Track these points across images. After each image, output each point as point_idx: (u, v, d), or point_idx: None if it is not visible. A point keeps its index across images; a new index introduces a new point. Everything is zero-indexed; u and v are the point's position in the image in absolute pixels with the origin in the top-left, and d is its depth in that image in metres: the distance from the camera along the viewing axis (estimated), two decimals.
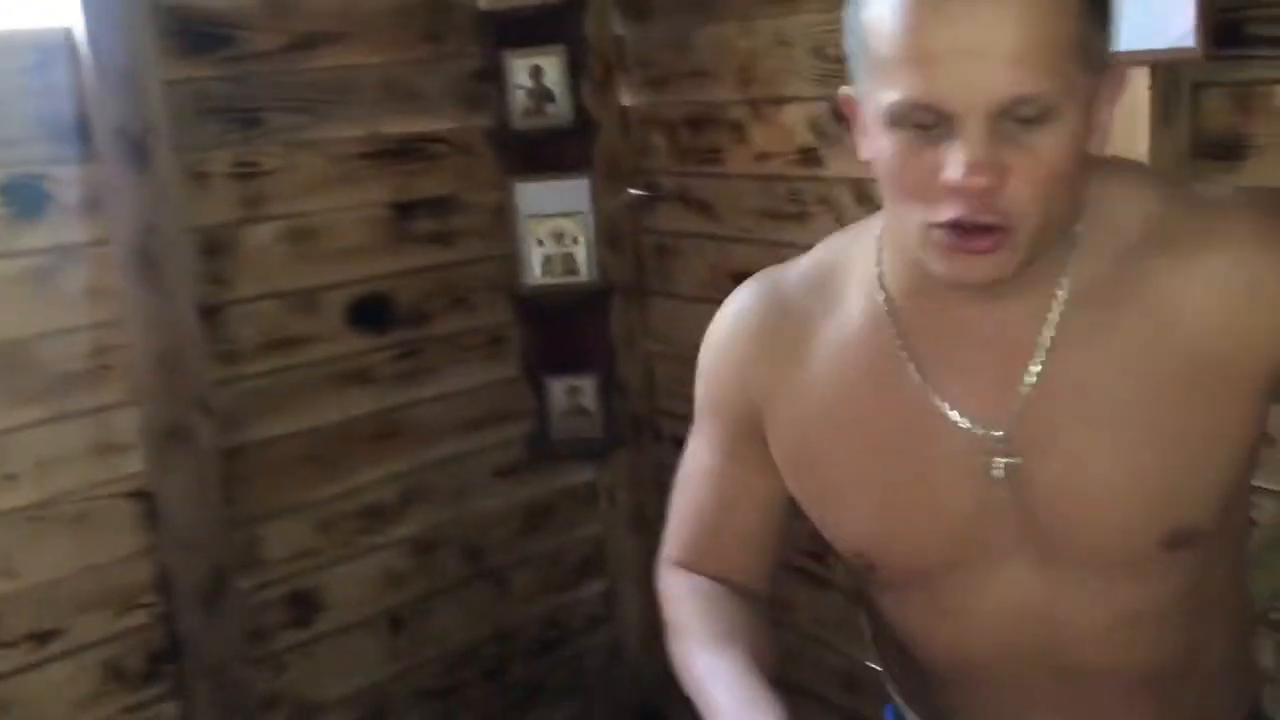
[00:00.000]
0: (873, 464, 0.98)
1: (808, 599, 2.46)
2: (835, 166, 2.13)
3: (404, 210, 2.41)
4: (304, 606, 2.40)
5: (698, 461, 1.14)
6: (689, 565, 1.15)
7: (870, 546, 1.01)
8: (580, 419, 2.64)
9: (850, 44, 0.90)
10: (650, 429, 2.74)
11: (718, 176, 2.40)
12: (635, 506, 2.76)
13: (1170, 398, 0.90)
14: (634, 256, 2.63)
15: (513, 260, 2.53)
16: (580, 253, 2.52)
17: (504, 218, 2.51)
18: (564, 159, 2.51)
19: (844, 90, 0.93)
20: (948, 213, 0.84)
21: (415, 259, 2.44)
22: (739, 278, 2.37)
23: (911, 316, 0.97)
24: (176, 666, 2.22)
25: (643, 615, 2.82)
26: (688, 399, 2.61)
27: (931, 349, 0.96)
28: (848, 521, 1.03)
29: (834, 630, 2.43)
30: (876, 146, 0.88)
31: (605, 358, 2.64)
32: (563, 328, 2.61)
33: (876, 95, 0.86)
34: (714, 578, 1.12)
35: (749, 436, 1.07)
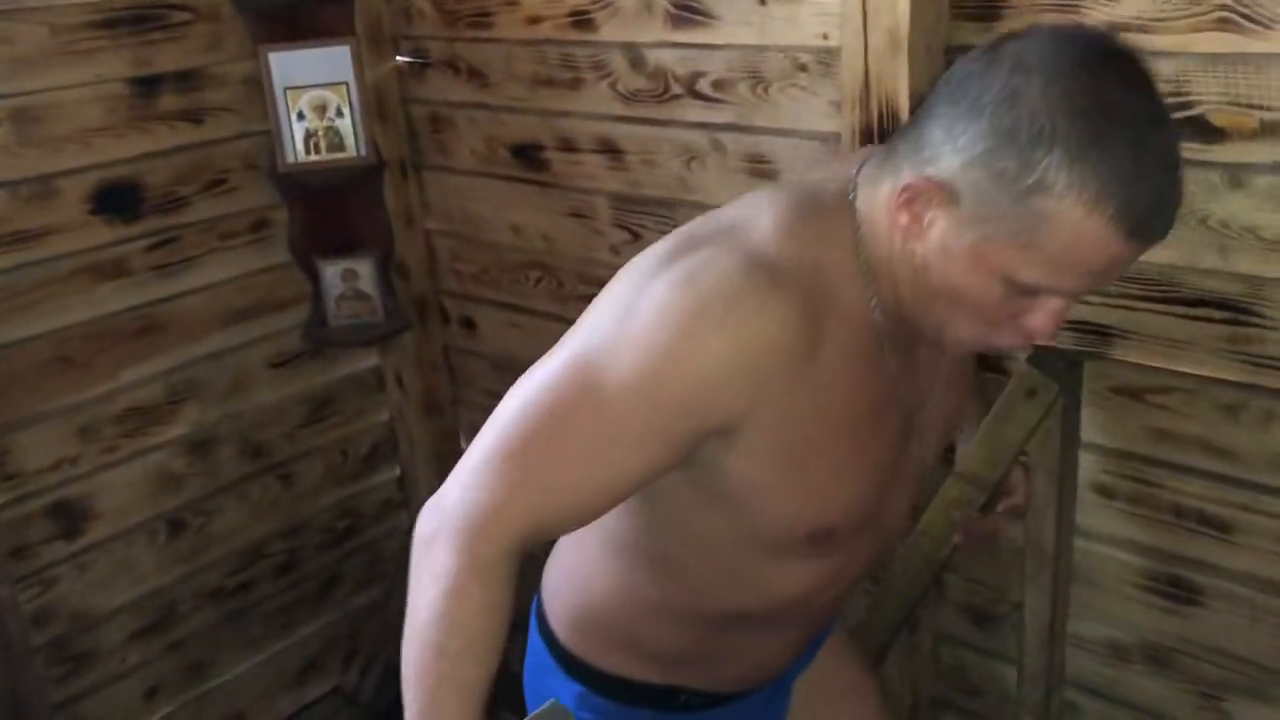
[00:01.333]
0: (860, 450, 1.06)
1: None
2: (608, 30, 2.07)
3: (144, 85, 2.20)
4: (70, 517, 2.26)
5: (600, 461, 0.97)
6: (494, 538, 0.97)
7: (844, 519, 1.07)
8: (359, 303, 2.54)
9: (1009, 189, 0.90)
10: (436, 310, 2.66)
11: (488, 41, 2.29)
12: (425, 390, 2.70)
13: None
14: (405, 129, 2.50)
15: (271, 137, 2.36)
16: (346, 126, 2.38)
17: (258, 90, 2.33)
18: (322, 24, 2.34)
19: (934, 180, 0.94)
20: (1008, 341, 1.00)
21: (161, 139, 2.24)
22: (517, 150, 2.30)
23: (892, 335, 1.06)
24: None
25: None
26: (473, 278, 2.57)
27: (901, 359, 1.08)
28: (831, 500, 1.06)
29: None
30: (974, 276, 0.94)
31: (381, 238, 2.53)
32: (333, 208, 2.47)
33: (1015, 262, 0.92)
34: (508, 555, 0.99)
35: (694, 440, 1.00)
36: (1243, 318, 1.53)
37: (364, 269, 2.52)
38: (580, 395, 0.97)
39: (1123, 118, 0.89)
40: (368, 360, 2.72)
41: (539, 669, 1.33)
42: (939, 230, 0.95)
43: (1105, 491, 1.75)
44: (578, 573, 1.26)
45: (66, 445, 2.22)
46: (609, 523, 1.13)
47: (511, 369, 2.54)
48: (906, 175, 0.96)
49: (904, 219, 0.96)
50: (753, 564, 1.12)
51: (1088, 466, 1.69)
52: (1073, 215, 0.89)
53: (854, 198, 1.03)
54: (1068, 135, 0.87)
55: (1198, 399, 1.61)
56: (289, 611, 2.69)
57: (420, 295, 2.63)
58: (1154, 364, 1.63)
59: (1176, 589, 1.72)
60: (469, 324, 2.64)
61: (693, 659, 1.22)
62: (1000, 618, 1.96)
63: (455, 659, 0.94)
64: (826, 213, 1.03)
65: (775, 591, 1.14)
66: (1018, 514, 1.65)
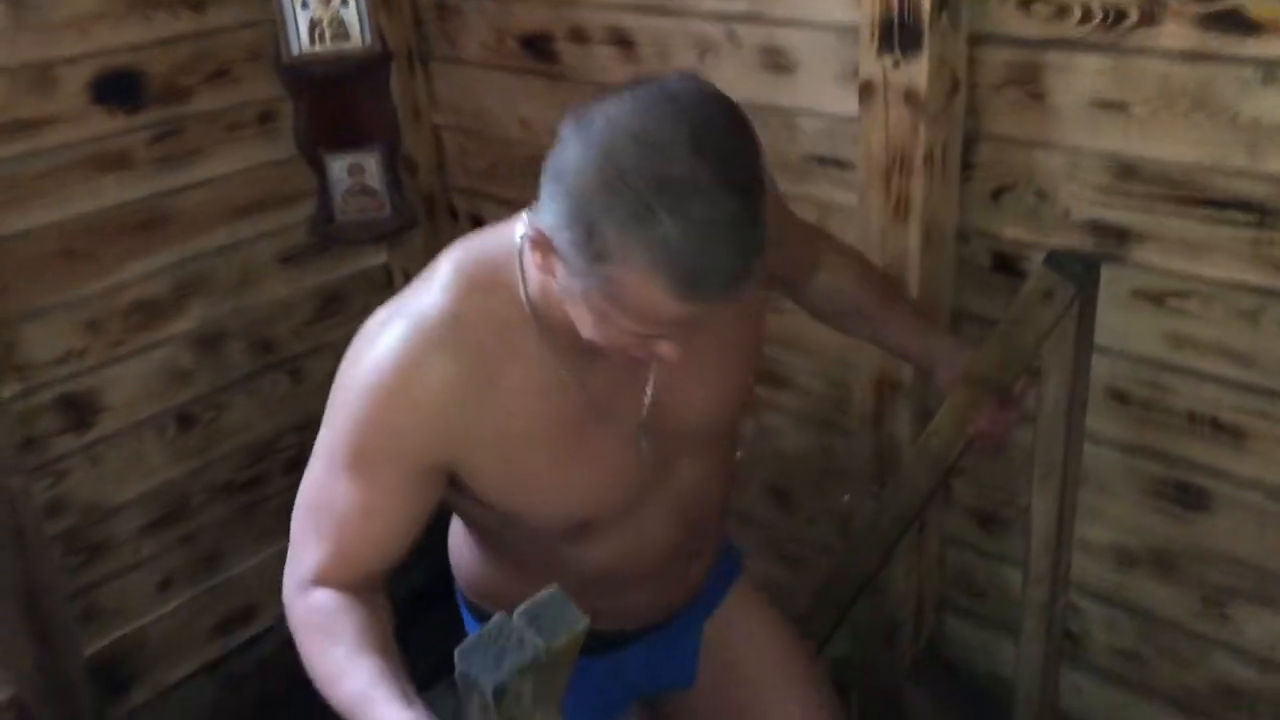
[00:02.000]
0: (575, 458, 1.21)
1: None
2: None
3: None
4: (79, 410, 2.26)
5: (345, 496, 1.14)
6: (329, 581, 1.15)
7: (588, 514, 1.25)
8: (365, 199, 2.50)
9: (581, 256, 1.00)
10: (445, 207, 2.62)
11: None
12: None
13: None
14: (411, 18, 2.43)
15: (275, 26, 2.30)
16: (351, 15, 2.31)
17: None
18: None
19: (540, 232, 1.03)
20: (649, 357, 1.11)
21: (163, 28, 2.18)
22: (526, 41, 2.24)
23: (568, 352, 1.17)
24: None
25: None
26: (482, 174, 2.52)
27: (587, 374, 1.19)
28: (572, 503, 1.24)
29: None
30: (591, 316, 1.06)
31: (388, 131, 2.48)
32: (339, 100, 2.42)
33: (611, 312, 1.03)
34: (349, 584, 1.14)
35: (430, 469, 1.15)
36: (1270, 220, 1.49)
37: (370, 164, 2.48)
38: (325, 479, 1.17)
39: (672, 191, 0.95)
40: (376, 257, 2.69)
41: (466, 622, 1.57)
42: (560, 273, 1.06)
43: (1118, 396, 1.72)
44: (455, 552, 1.52)
45: (73, 338, 2.21)
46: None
47: None
48: (532, 224, 1.06)
49: (537, 258, 1.07)
50: (548, 549, 1.29)
51: (1101, 371, 1.67)
52: (634, 282, 0.99)
53: (522, 241, 1.14)
54: (618, 210, 0.96)
55: (1216, 303, 1.58)
56: None
57: (428, 191, 2.59)
58: (1173, 267, 1.60)
59: (1185, 495, 1.71)
60: (478, 221, 2.60)
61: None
62: (1008, 521, 1.95)
63: (338, 671, 1.08)
64: (495, 263, 1.17)
65: (583, 567, 1.30)
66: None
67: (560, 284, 1.08)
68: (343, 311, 2.66)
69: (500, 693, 0.88)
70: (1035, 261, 1.73)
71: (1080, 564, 1.82)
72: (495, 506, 1.23)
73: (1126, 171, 1.59)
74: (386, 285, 2.72)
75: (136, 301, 2.29)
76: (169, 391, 2.39)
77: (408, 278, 2.62)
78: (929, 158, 1.67)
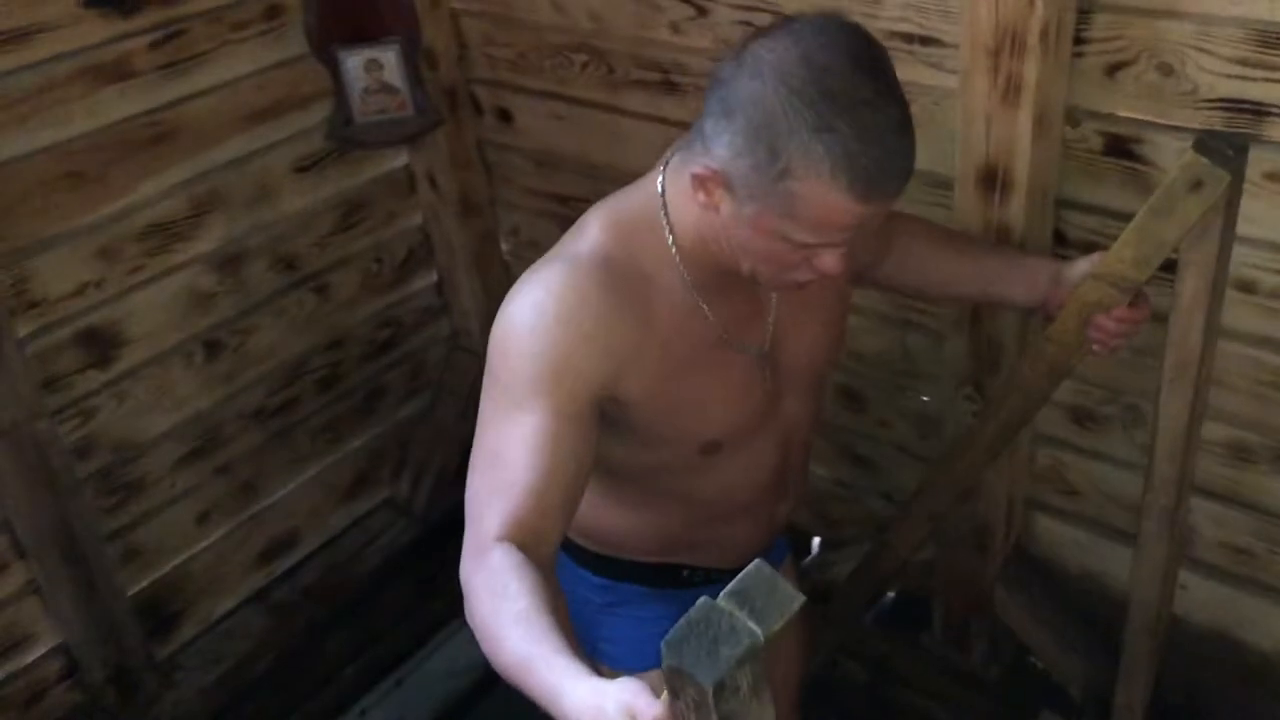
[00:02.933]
0: (712, 381, 1.33)
1: None
2: None
3: None
4: (101, 344, 2.11)
5: (522, 435, 1.16)
6: (511, 537, 1.11)
7: (721, 433, 1.37)
8: (386, 97, 2.31)
9: (763, 176, 1.10)
10: (468, 101, 2.43)
11: None
12: (460, 188, 2.50)
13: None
14: None
15: None
16: None
17: None
18: None
19: (710, 168, 1.15)
20: (805, 277, 1.23)
21: None
22: None
23: (707, 286, 1.29)
24: None
25: (480, 299, 2.65)
26: (509, 64, 2.33)
27: (721, 306, 1.30)
28: (709, 422, 1.35)
29: None
30: (760, 239, 1.17)
31: (405, 21, 2.27)
32: None
33: (785, 228, 1.14)
34: (528, 546, 1.12)
35: (595, 398, 1.21)
36: None
37: (389, 58, 2.27)
38: (503, 414, 1.18)
39: (844, 103, 1.06)
40: (397, 159, 2.51)
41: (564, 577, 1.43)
42: (727, 207, 1.17)
43: (1245, 287, 1.61)
44: None
45: (88, 268, 2.04)
46: None
47: (555, 165, 2.38)
48: (694, 166, 1.17)
49: (701, 197, 1.18)
50: (670, 480, 1.42)
51: (1234, 260, 1.54)
52: (817, 191, 1.09)
53: (663, 191, 1.26)
54: (800, 127, 1.07)
55: None
56: (335, 427, 2.58)
57: (450, 85, 2.39)
58: None
59: None
60: (505, 115, 2.42)
61: (678, 543, 1.51)
62: (1108, 419, 1.86)
63: (509, 622, 1.03)
64: (638, 211, 1.28)
65: (700, 496, 1.44)
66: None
67: (725, 217, 1.18)
68: (365, 220, 2.49)
69: (720, 688, 0.78)
70: (1154, 144, 1.60)
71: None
72: (646, 429, 1.31)
73: (1272, 39, 1.43)
74: (410, 189, 2.55)
75: (151, 224, 2.11)
76: (192, 318, 2.23)
77: (432, 181, 2.49)
78: (1045, 34, 1.51)
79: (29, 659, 2.15)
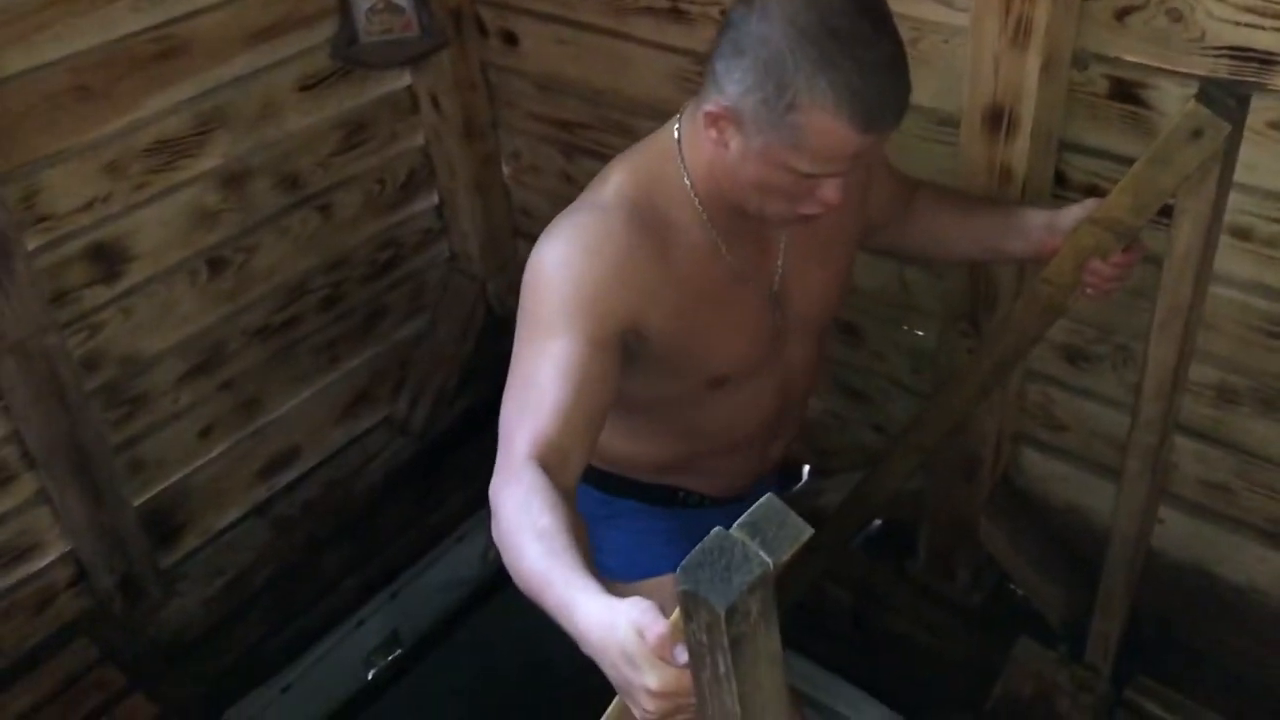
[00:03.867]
0: (725, 316, 1.42)
1: None
2: None
3: None
4: (107, 259, 2.12)
5: (553, 359, 1.23)
6: (539, 456, 1.17)
7: (729, 368, 1.46)
8: (391, 16, 2.30)
9: (770, 111, 1.20)
10: (473, 23, 2.42)
11: None
12: (463, 110, 2.50)
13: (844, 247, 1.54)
14: None
15: None
16: None
17: None
18: None
19: (722, 106, 1.24)
20: (810, 209, 1.31)
21: None
22: None
23: (722, 225, 1.38)
24: None
25: (480, 223, 2.66)
26: None
27: (735, 244, 1.40)
28: (719, 355, 1.43)
29: None
30: (768, 171, 1.26)
31: None
32: None
33: (792, 159, 1.23)
34: (554, 465, 1.17)
35: (620, 329, 1.30)
36: None
37: None
38: (534, 344, 1.26)
39: (846, 41, 1.16)
40: (400, 80, 2.50)
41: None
42: (736, 142, 1.26)
43: (1240, 233, 1.64)
44: None
45: (95, 184, 2.05)
46: None
47: (558, 90, 2.38)
48: (706, 105, 1.26)
49: (712, 134, 1.27)
50: (682, 409, 1.50)
51: (1227, 207, 1.57)
52: (821, 122, 1.18)
53: (679, 136, 1.36)
54: (805, 64, 1.16)
55: None
56: (336, 345, 2.61)
57: (455, 6, 2.38)
58: None
59: None
60: (509, 38, 2.41)
61: (676, 469, 1.62)
62: (1098, 358, 1.90)
63: (531, 539, 1.08)
64: (656, 159, 1.37)
65: (705, 425, 1.53)
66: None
67: (735, 152, 1.27)
68: (369, 141, 2.49)
69: (732, 612, 0.83)
70: (1159, 89, 1.62)
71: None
72: (661, 361, 1.39)
73: None
74: (413, 110, 2.54)
75: (157, 140, 2.11)
76: (197, 235, 2.25)
77: (435, 102, 2.49)
78: None
79: (39, 565, 2.21)
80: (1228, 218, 1.60)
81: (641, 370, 1.38)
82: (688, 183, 1.36)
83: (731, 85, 1.22)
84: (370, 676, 2.82)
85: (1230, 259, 1.65)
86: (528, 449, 1.17)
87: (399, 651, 2.84)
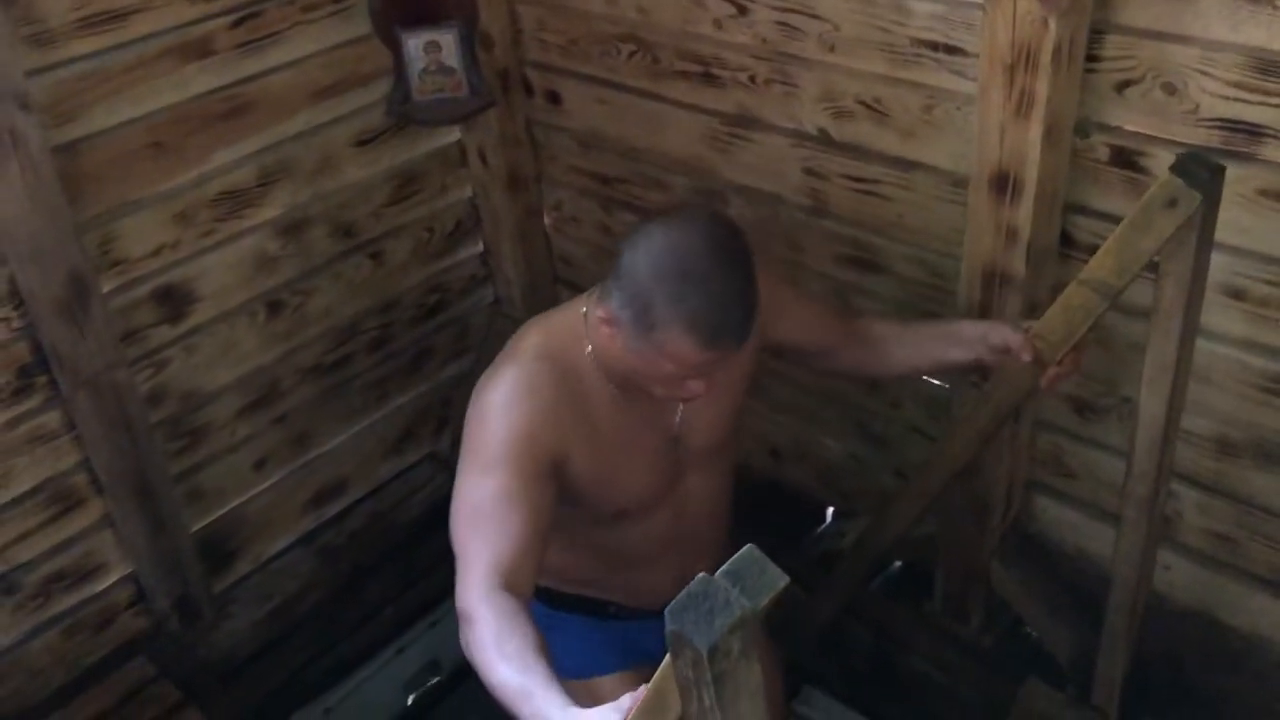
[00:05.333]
0: (631, 458, 1.66)
1: None
2: None
3: None
4: (174, 301, 2.28)
5: (499, 490, 1.45)
6: (499, 578, 1.38)
7: (632, 502, 1.70)
8: (443, 77, 2.45)
9: (638, 327, 1.45)
10: (519, 82, 2.57)
11: None
12: (508, 165, 2.64)
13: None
14: None
15: None
16: None
17: None
18: None
19: (609, 312, 1.49)
20: (683, 396, 1.56)
21: None
22: None
23: (624, 392, 1.61)
24: (49, 378, 2.11)
25: (522, 269, 2.80)
26: (560, 49, 2.47)
27: (635, 400, 1.62)
28: (625, 492, 1.68)
29: None
30: (644, 367, 1.50)
31: (465, 6, 2.41)
32: None
33: (659, 362, 1.48)
34: (512, 584, 1.38)
35: (551, 462, 1.52)
36: None
37: (447, 40, 2.41)
38: (480, 476, 1.48)
39: (697, 280, 1.41)
40: (450, 135, 2.65)
41: None
42: (619, 341, 1.50)
43: (1235, 294, 1.73)
44: None
45: (165, 231, 2.21)
46: None
47: (598, 146, 2.52)
48: (598, 309, 1.52)
49: (605, 330, 1.52)
50: (596, 531, 1.74)
51: (1220, 268, 1.66)
52: (675, 341, 1.43)
53: (586, 313, 1.59)
54: (662, 296, 1.41)
55: None
56: (384, 384, 2.76)
57: (503, 67, 2.53)
58: None
59: None
60: (554, 98, 2.55)
61: (598, 583, 1.83)
62: (1106, 410, 1.98)
63: (506, 657, 1.29)
64: (567, 329, 1.61)
65: (620, 546, 1.76)
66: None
67: (620, 347, 1.51)
68: (420, 192, 2.64)
69: (713, 651, 0.92)
70: (1156, 157, 1.72)
71: (1180, 453, 1.85)
72: (578, 493, 1.61)
73: (1268, 67, 1.54)
74: (461, 163, 2.70)
75: (223, 191, 2.28)
76: (257, 279, 2.40)
77: (483, 157, 2.65)
78: (1058, 53, 1.63)
79: (102, 586, 2.35)
80: (1223, 279, 1.70)
81: (561, 499, 1.56)
82: (590, 352, 1.59)
83: (614, 300, 1.47)
84: (410, 702, 2.93)
85: (1225, 318, 1.74)
86: (489, 573, 1.38)
87: (438, 679, 2.95)
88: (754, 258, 1.48)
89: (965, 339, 1.74)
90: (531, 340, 1.60)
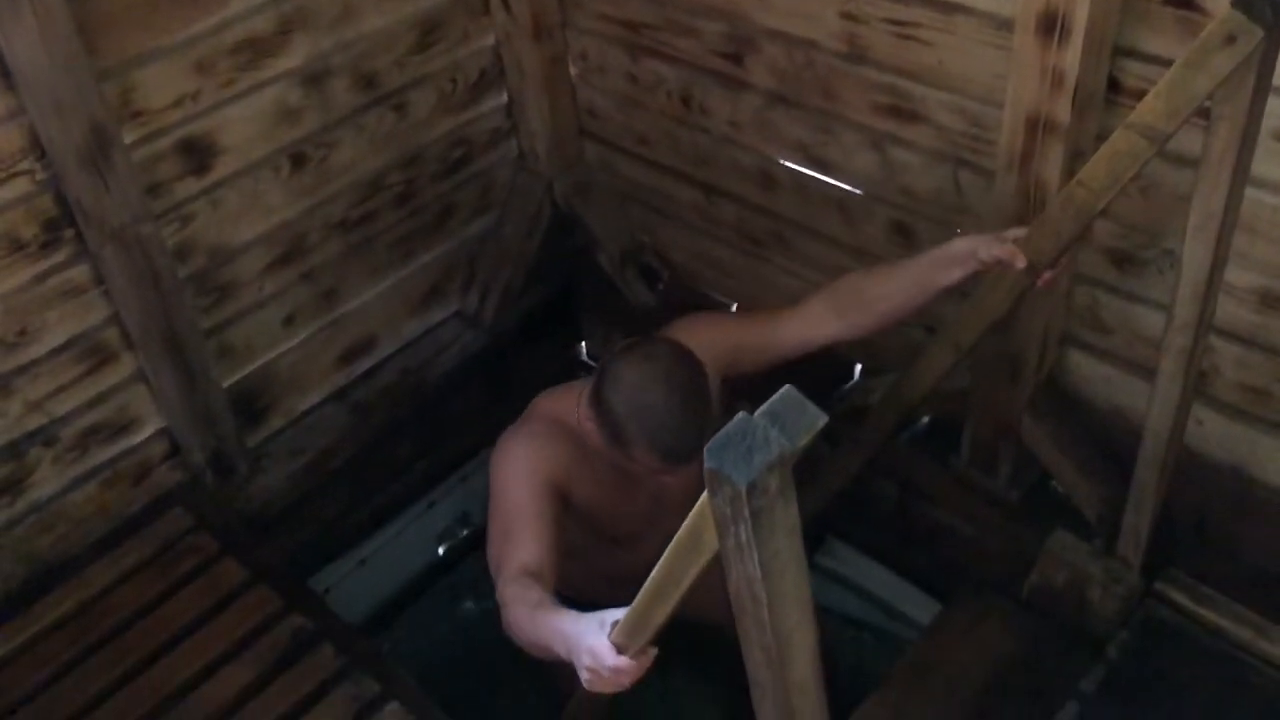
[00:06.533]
0: (617, 502, 2.02)
1: (721, 100, 2.41)
2: None
3: None
4: (198, 154, 2.25)
5: (522, 513, 1.83)
6: (529, 573, 1.72)
7: (623, 534, 2.07)
8: None
9: (613, 442, 1.80)
10: None
11: None
12: (532, 11, 2.56)
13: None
14: None
15: None
16: None
17: None
18: None
19: (591, 420, 1.84)
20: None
21: None
22: None
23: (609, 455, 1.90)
24: (75, 231, 2.10)
25: (547, 122, 2.74)
26: None
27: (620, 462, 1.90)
28: (615, 526, 2.05)
29: (749, 130, 2.41)
30: (619, 459, 1.85)
31: None
32: None
33: (628, 463, 1.84)
34: (540, 576, 1.73)
35: (560, 493, 1.90)
36: None
37: None
38: (503, 515, 1.87)
39: (658, 410, 1.73)
40: None
41: None
42: (597, 439, 1.84)
43: None
44: None
45: (186, 81, 2.17)
46: None
47: None
48: (581, 410, 1.89)
49: (588, 425, 1.86)
50: (597, 551, 2.09)
51: (1271, 112, 1.60)
52: (641, 455, 1.78)
53: (579, 407, 1.91)
54: (630, 422, 1.75)
55: None
56: (409, 240, 2.74)
57: None
58: None
59: None
60: None
61: (609, 599, 1.91)
62: (1146, 262, 1.95)
63: (534, 614, 1.63)
64: (567, 409, 1.96)
65: (619, 568, 1.93)
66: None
67: (599, 442, 1.85)
68: (441, 40, 2.57)
69: (752, 488, 0.92)
70: None
71: (1220, 306, 1.82)
72: (580, 520, 1.97)
73: None
74: (484, 10, 2.61)
75: (242, 40, 2.22)
76: (280, 131, 2.36)
77: (506, 3, 2.55)
78: None
79: (138, 439, 2.39)
80: (1271, 123, 1.63)
81: (566, 524, 1.90)
82: (578, 430, 1.93)
83: (594, 417, 1.82)
84: (441, 552, 3.00)
85: (1272, 164, 1.68)
86: (519, 569, 1.72)
87: (468, 531, 3.02)
88: (706, 380, 1.80)
89: (953, 257, 1.80)
90: (543, 408, 2.02)
